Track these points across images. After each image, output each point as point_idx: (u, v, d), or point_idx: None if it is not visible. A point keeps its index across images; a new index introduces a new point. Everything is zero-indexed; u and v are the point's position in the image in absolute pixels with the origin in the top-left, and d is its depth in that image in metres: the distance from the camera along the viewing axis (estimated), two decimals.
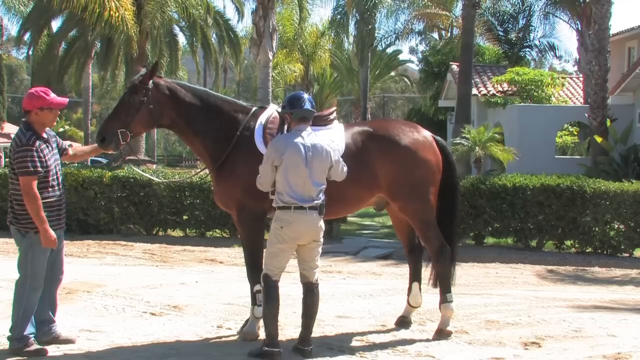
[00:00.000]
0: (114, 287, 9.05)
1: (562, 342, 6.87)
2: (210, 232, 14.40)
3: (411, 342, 6.74)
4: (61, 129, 47.38)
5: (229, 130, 6.66)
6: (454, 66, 26.33)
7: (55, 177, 6.14)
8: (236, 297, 8.40)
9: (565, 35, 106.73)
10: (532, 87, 24.07)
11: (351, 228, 17.15)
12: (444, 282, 6.96)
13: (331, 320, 7.49)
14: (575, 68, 40.05)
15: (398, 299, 8.29)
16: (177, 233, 14.54)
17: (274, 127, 6.61)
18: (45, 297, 6.23)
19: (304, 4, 28.04)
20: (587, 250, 12.90)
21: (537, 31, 31.92)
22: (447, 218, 7.11)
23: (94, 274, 10.01)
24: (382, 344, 6.64)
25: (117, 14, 21.21)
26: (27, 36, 28.11)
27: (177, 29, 31.65)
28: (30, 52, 28.60)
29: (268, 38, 20.04)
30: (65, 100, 6.46)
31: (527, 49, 32.47)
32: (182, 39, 34.37)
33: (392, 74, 51.62)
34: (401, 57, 49.12)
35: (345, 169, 6.25)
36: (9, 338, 6.07)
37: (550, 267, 11.81)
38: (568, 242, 13.14)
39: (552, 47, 33.04)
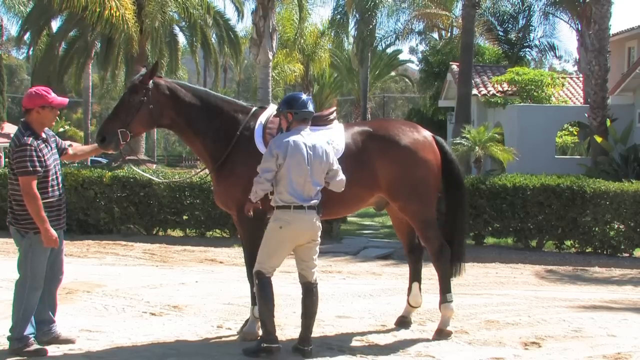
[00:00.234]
0: (114, 287, 9.05)
1: (562, 342, 6.87)
2: (210, 232, 14.40)
3: (411, 342, 6.74)
4: (61, 129, 47.40)
5: (228, 130, 6.66)
6: (454, 66, 26.34)
7: (54, 177, 6.14)
8: (236, 297, 8.40)
9: (565, 35, 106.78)
10: (532, 87, 24.08)
11: (351, 228, 17.14)
12: (444, 282, 6.96)
13: (331, 320, 7.49)
14: (575, 68, 40.10)
15: (398, 299, 8.29)
16: (177, 233, 14.54)
17: (274, 127, 6.61)
18: (45, 297, 6.23)
19: (304, 3, 28.04)
20: (587, 250, 12.90)
21: (537, 31, 32.00)
22: (455, 214, 7.12)
23: (94, 274, 10.01)
24: (382, 344, 6.64)
25: (117, 13, 21.23)
26: (27, 36, 28.11)
27: (177, 29, 31.69)
28: (30, 52, 28.61)
29: (268, 38, 20.05)
30: (66, 100, 6.47)
31: (527, 49, 32.50)
32: (182, 39, 34.40)
33: (392, 74, 51.65)
34: (401, 57, 49.20)
35: (344, 181, 6.24)
36: (9, 338, 6.07)
37: (550, 267, 11.81)
38: (568, 242, 13.14)
39: (552, 47, 33.06)
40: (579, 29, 24.62)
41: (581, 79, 27.59)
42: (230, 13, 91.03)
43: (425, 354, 6.37)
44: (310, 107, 6.19)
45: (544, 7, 28.94)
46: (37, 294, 6.08)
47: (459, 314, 7.67)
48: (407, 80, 58.84)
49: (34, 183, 5.87)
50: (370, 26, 31.98)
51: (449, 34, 36.33)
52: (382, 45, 38.07)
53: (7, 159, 6.15)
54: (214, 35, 33.62)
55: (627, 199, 12.39)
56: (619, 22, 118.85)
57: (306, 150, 6.02)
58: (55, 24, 29.30)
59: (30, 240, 5.99)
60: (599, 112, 18.64)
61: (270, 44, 20.15)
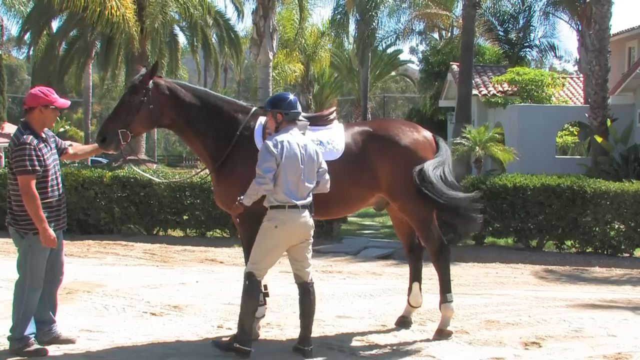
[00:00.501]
0: (114, 287, 9.06)
1: (563, 342, 6.87)
2: (211, 232, 14.40)
3: (411, 342, 6.75)
4: (61, 129, 47.38)
5: (228, 130, 6.66)
6: (455, 66, 26.32)
7: (54, 177, 6.14)
8: (236, 297, 8.33)
9: (566, 35, 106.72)
10: (533, 87, 24.06)
11: (351, 228, 17.15)
12: (444, 282, 6.96)
13: (331, 320, 7.50)
14: (576, 68, 40.10)
15: (398, 299, 8.29)
16: (178, 233, 14.54)
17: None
18: (45, 297, 6.23)
19: (305, 4, 28.04)
20: (588, 250, 12.89)
21: (538, 31, 31.94)
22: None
23: (95, 274, 10.02)
24: (382, 344, 6.65)
25: (118, 12, 21.23)
26: (27, 36, 28.10)
27: (177, 29, 31.69)
28: (31, 52, 28.62)
29: (268, 38, 20.05)
30: (68, 102, 6.49)
31: (528, 49, 32.45)
32: (182, 39, 34.41)
33: (393, 73, 51.64)
34: (402, 57, 49.17)
35: (329, 181, 6.25)
36: (9, 338, 6.08)
37: (550, 267, 11.81)
38: (568, 242, 13.13)
39: (553, 47, 33.03)
40: (580, 29, 24.61)
41: (581, 79, 27.57)
42: (231, 13, 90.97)
43: (426, 354, 6.37)
44: (299, 108, 6.22)
45: (544, 7, 28.94)
46: (37, 295, 6.08)
47: (459, 314, 7.68)
48: (407, 80, 58.84)
49: (33, 182, 5.87)
50: (371, 26, 32.02)
51: (449, 34, 36.32)
52: (382, 45, 38.09)
53: (7, 159, 6.15)
54: (214, 35, 33.64)
55: (628, 199, 12.38)
56: (619, 22, 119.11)
57: (300, 150, 6.03)
58: (55, 24, 29.33)
59: (29, 240, 5.99)
60: (599, 112, 18.63)
61: (271, 44, 20.15)
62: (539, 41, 32.49)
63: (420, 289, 7.30)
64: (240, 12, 34.62)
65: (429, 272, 7.89)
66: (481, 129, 18.66)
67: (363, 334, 7.00)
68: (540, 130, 21.15)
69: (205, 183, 13.43)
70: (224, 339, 6.51)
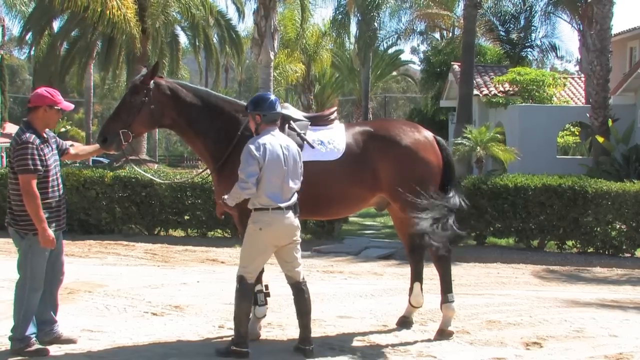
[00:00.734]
0: (115, 287, 9.06)
1: (564, 342, 6.87)
2: (212, 232, 14.40)
3: (413, 342, 6.75)
4: (63, 129, 47.36)
5: (229, 130, 6.66)
6: (456, 66, 26.32)
7: (55, 177, 6.14)
8: None
9: (567, 35, 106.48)
10: (534, 87, 24.05)
11: (352, 228, 17.15)
12: (445, 282, 6.96)
13: (332, 320, 7.50)
14: (577, 68, 40.15)
15: (399, 299, 8.29)
16: (179, 233, 14.54)
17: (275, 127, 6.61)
18: (46, 297, 6.23)
19: (306, 4, 28.03)
20: (589, 251, 12.89)
21: (539, 31, 31.92)
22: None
23: (96, 274, 10.02)
24: (383, 344, 6.64)
25: (119, 12, 21.23)
26: (28, 36, 28.13)
27: (178, 29, 31.69)
28: (32, 52, 28.64)
29: (269, 38, 20.05)
30: (72, 105, 6.51)
31: (529, 49, 32.44)
32: (183, 39, 34.44)
33: (394, 74, 51.63)
34: (403, 57, 49.15)
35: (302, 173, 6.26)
36: (10, 338, 6.08)
37: (551, 267, 11.81)
38: (569, 242, 13.13)
39: (554, 47, 33.03)
40: (581, 29, 24.60)
41: (583, 79, 27.55)
42: (232, 13, 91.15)
43: (427, 354, 6.37)
44: (278, 109, 6.19)
45: (545, 7, 28.93)
46: (38, 295, 6.09)
47: (461, 314, 7.67)
48: (409, 80, 58.81)
49: (34, 182, 5.87)
50: (372, 26, 32.00)
51: (450, 34, 36.29)
52: (383, 45, 38.07)
53: (8, 158, 6.16)
54: (215, 36, 33.64)
55: (629, 199, 12.38)
56: (620, 22, 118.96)
57: (282, 151, 6.03)
58: (56, 24, 29.36)
59: (29, 241, 5.99)
60: (600, 112, 18.62)
61: (272, 44, 20.15)
62: (540, 41, 32.52)
63: (422, 289, 7.29)
64: (241, 12, 34.67)
65: (430, 272, 7.89)
66: (482, 129, 18.67)
67: (364, 334, 7.00)
68: (541, 131, 21.14)
69: (207, 183, 13.44)
70: (225, 338, 6.52)
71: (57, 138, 6.46)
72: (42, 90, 6.24)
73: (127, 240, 13.59)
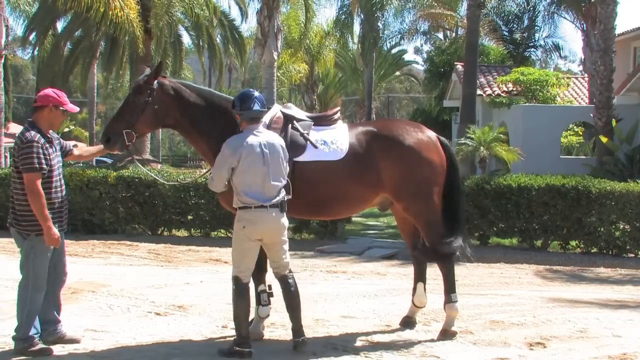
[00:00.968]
0: (118, 287, 9.07)
1: (567, 342, 6.86)
2: (215, 232, 14.42)
3: (416, 342, 6.75)
4: (66, 129, 47.43)
5: (233, 130, 6.64)
6: (459, 66, 26.29)
7: (58, 178, 6.15)
8: None
9: (570, 35, 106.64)
10: (537, 87, 24.02)
11: (356, 228, 17.14)
12: (448, 282, 6.95)
13: (336, 320, 7.50)
14: (581, 68, 40.05)
15: (403, 299, 8.29)
16: (182, 233, 14.56)
17: (278, 127, 6.62)
18: (49, 297, 6.25)
19: (310, 4, 28.03)
20: (592, 251, 12.88)
21: (542, 31, 31.90)
22: (452, 218, 7.10)
23: (99, 273, 10.04)
24: (386, 344, 6.64)
25: (121, 13, 21.23)
26: (32, 36, 28.13)
27: (181, 29, 31.70)
28: (36, 52, 28.64)
29: (273, 38, 20.04)
30: (77, 108, 6.53)
31: (532, 49, 32.43)
32: (186, 39, 34.44)
33: (397, 74, 51.61)
34: (406, 57, 49.16)
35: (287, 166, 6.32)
36: (14, 338, 6.10)
37: (555, 268, 11.79)
38: (573, 243, 13.11)
39: (557, 47, 33.00)
40: (584, 28, 24.54)
41: (586, 79, 27.50)
42: (235, 13, 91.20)
43: (430, 354, 6.37)
44: (256, 107, 6.18)
45: (549, 7, 28.88)
46: (41, 295, 6.10)
47: (464, 314, 7.67)
48: (412, 80, 58.78)
49: (39, 181, 5.88)
50: (375, 26, 31.97)
51: (453, 34, 36.30)
52: (387, 45, 38.06)
53: (12, 158, 6.17)
54: (218, 36, 33.65)
55: (633, 199, 12.36)
56: (624, 22, 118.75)
57: (261, 150, 6.04)
58: (60, 24, 29.37)
59: (32, 242, 6.00)
60: (604, 112, 18.59)
61: (275, 44, 20.14)
62: (544, 41, 32.50)
63: (425, 289, 7.29)
64: (244, 13, 34.69)
65: (434, 272, 7.88)
66: (485, 129, 18.63)
67: (367, 334, 7.00)
68: (544, 131, 21.11)
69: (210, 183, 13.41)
70: (228, 338, 6.52)
71: (61, 139, 6.47)
72: (48, 90, 6.27)
73: (130, 240, 13.61)
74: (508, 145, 19.13)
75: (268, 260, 6.34)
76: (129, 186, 14.10)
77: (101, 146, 6.70)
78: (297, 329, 6.25)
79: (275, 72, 20.85)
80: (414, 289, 7.29)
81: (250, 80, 57.53)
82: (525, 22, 31.63)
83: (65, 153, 6.47)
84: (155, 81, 6.52)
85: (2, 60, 21.81)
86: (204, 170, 9.36)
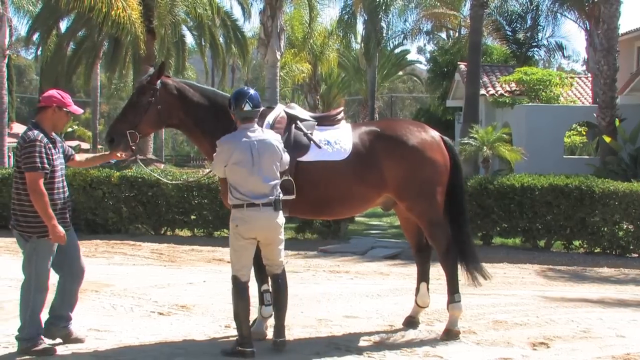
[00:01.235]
0: (122, 286, 9.08)
1: (571, 342, 6.85)
2: (218, 232, 14.42)
3: (419, 342, 6.74)
4: (69, 129, 47.51)
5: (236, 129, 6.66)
6: (462, 66, 26.27)
7: (60, 179, 6.15)
8: None
9: (574, 34, 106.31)
10: (540, 87, 23.99)
11: (359, 228, 17.14)
12: (451, 282, 6.95)
13: (339, 320, 7.50)
14: (584, 68, 40.04)
15: (406, 299, 8.28)
16: (185, 233, 14.57)
17: (281, 127, 6.62)
18: (64, 294, 6.27)
19: (314, 4, 28.01)
20: (596, 251, 12.86)
21: (545, 31, 31.83)
22: (454, 219, 7.09)
23: (102, 273, 10.04)
24: (389, 344, 6.64)
25: (124, 13, 21.24)
26: (36, 36, 28.19)
27: (184, 29, 31.76)
28: (39, 52, 28.69)
29: (276, 38, 20.05)
30: (81, 110, 6.54)
31: (535, 49, 32.36)
32: (189, 39, 34.49)
33: (400, 73, 51.60)
34: (409, 57, 49.15)
35: (288, 158, 6.31)
36: (17, 338, 6.10)
37: (558, 268, 11.78)
38: (576, 242, 13.10)
39: (561, 47, 32.95)
40: (588, 28, 24.51)
41: (590, 78, 27.48)
42: (238, 13, 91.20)
43: (433, 354, 6.36)
44: (247, 107, 6.15)
45: (552, 7, 28.83)
46: (43, 296, 6.10)
47: (467, 314, 7.66)
48: (415, 79, 58.76)
49: (41, 181, 5.88)
50: (378, 27, 31.98)
51: (457, 34, 36.28)
52: (390, 45, 38.05)
53: (15, 158, 6.17)
54: (221, 36, 33.69)
55: (636, 199, 12.35)
56: (628, 21, 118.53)
57: (250, 149, 6.04)
58: (63, 24, 29.42)
59: (34, 244, 6.00)
60: (607, 112, 18.57)
61: (278, 44, 20.15)
62: (547, 41, 32.44)
63: (428, 289, 7.28)
64: (247, 12, 34.71)
65: (437, 272, 7.88)
66: (489, 128, 18.63)
67: (370, 333, 6.99)
68: (548, 130, 21.08)
69: (213, 183, 13.45)
70: (231, 338, 6.52)
71: (64, 143, 6.48)
72: (52, 91, 6.28)
73: (133, 240, 13.63)
74: (511, 145, 19.13)
75: (262, 257, 6.32)
76: (132, 186, 14.12)
77: (104, 154, 6.74)
78: (279, 328, 6.25)
79: (278, 71, 20.85)
80: (417, 289, 7.28)
81: (253, 80, 57.57)
82: (529, 21, 31.57)
83: (67, 158, 6.47)
84: (159, 81, 6.52)
85: (6, 61, 21.81)
86: (207, 170, 9.36)
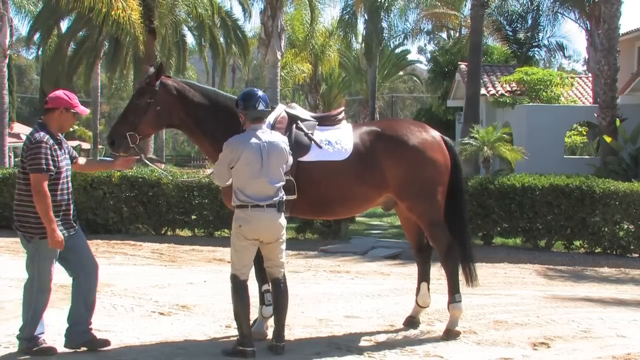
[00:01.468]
0: (122, 286, 9.08)
1: (571, 342, 6.85)
2: (219, 232, 14.42)
3: (419, 342, 6.74)
4: (70, 129, 47.52)
5: (237, 130, 6.65)
6: (463, 66, 26.26)
7: (65, 181, 6.13)
8: None
9: (574, 34, 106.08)
10: (541, 87, 23.98)
11: (359, 228, 17.14)
12: (452, 282, 6.95)
13: (339, 320, 7.50)
14: (584, 68, 39.99)
15: (406, 299, 8.28)
16: (186, 233, 14.57)
17: (282, 127, 6.62)
18: (80, 297, 6.19)
19: (315, 4, 27.99)
20: (596, 251, 12.86)
21: (546, 31, 31.79)
22: (454, 219, 7.09)
23: (103, 273, 9.89)
24: (390, 344, 6.64)
25: (124, 14, 21.24)
26: (36, 36, 28.20)
27: (185, 29, 31.75)
28: (40, 52, 28.70)
29: (276, 38, 20.05)
30: (87, 110, 6.54)
31: (536, 49, 32.34)
32: (190, 39, 34.51)
33: (401, 73, 51.60)
34: (410, 57, 49.16)
35: (291, 160, 6.33)
36: (18, 337, 6.10)
37: (559, 268, 11.78)
38: (577, 242, 13.10)
39: (561, 47, 32.94)
40: (588, 28, 24.49)
41: (590, 78, 27.45)
42: (238, 13, 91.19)
43: (434, 354, 6.36)
44: (261, 107, 6.16)
45: (553, 7, 28.82)
46: (45, 296, 6.09)
47: (468, 314, 7.66)
48: (415, 79, 58.77)
49: (45, 182, 5.87)
50: (379, 26, 31.97)
51: (457, 34, 36.25)
52: (390, 45, 38.04)
53: (17, 158, 6.17)
54: (222, 36, 33.70)
55: (637, 199, 12.34)
56: (628, 21, 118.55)
57: (260, 150, 6.03)
58: (64, 25, 29.43)
59: (36, 245, 5.99)
60: (608, 111, 18.56)
61: (279, 44, 20.15)
62: (548, 41, 32.42)
63: (429, 289, 7.29)
64: (247, 12, 34.70)
65: (437, 272, 7.88)
66: (489, 128, 18.63)
67: (371, 333, 7.00)
68: (548, 130, 21.06)
69: (213, 183, 13.41)
70: (232, 338, 6.52)
71: (69, 146, 6.48)
72: (60, 92, 6.26)
73: (134, 240, 13.63)
74: (512, 145, 19.11)
75: (263, 258, 6.31)
76: (132, 186, 14.12)
77: (107, 162, 6.79)
78: (279, 332, 6.23)
79: (278, 71, 20.85)
80: (418, 289, 7.28)
81: (253, 80, 57.59)
82: (529, 21, 31.54)
83: (70, 159, 6.47)
84: (158, 82, 6.52)
85: (7, 61, 21.79)
86: (208, 170, 9.36)
